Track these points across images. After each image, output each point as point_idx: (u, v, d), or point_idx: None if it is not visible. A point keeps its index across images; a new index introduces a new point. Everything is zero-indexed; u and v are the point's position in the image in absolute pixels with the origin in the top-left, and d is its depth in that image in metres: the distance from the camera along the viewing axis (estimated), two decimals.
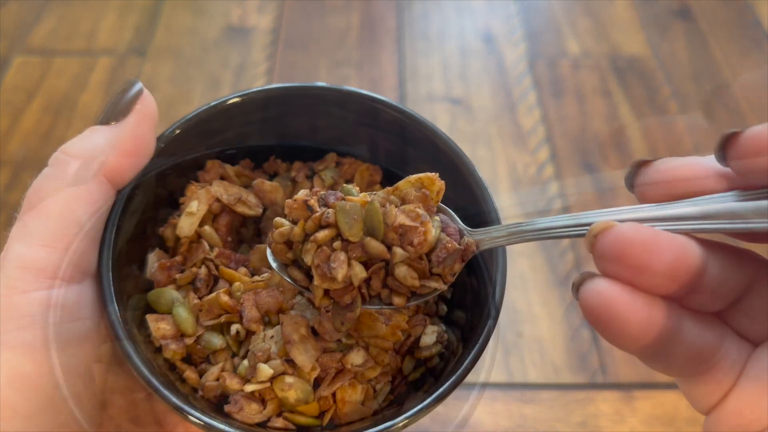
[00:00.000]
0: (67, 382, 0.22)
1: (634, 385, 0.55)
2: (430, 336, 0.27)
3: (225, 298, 0.26)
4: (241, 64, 0.81)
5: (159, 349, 0.26)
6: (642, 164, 0.20)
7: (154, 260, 0.27)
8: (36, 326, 0.22)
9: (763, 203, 0.17)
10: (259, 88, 0.29)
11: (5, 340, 0.21)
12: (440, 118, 0.76)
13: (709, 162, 0.19)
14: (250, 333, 0.26)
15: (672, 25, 0.87)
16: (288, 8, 0.89)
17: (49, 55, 0.82)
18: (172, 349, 0.26)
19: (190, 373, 0.26)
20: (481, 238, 0.25)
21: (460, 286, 0.29)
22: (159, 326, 0.26)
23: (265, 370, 0.24)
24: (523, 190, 0.69)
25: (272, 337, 0.25)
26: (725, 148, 0.18)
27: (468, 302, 0.29)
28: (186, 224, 0.27)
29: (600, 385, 0.55)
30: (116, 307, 0.23)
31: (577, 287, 0.19)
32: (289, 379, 0.24)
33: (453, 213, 0.27)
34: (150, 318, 0.26)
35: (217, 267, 0.27)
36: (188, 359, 0.27)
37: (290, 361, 0.25)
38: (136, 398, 0.26)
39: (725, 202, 0.18)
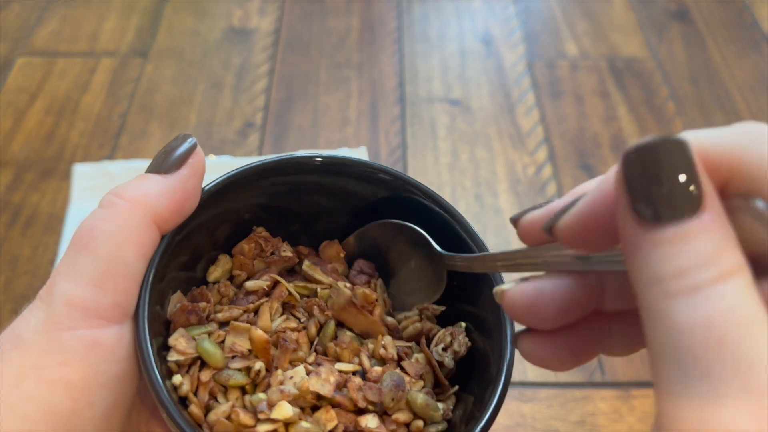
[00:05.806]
0: (100, 424, 0.22)
1: (632, 383, 0.55)
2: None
3: (259, 332, 0.26)
4: (242, 66, 0.82)
5: (169, 376, 0.26)
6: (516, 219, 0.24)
7: (175, 301, 0.27)
8: (78, 364, 0.21)
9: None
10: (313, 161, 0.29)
11: (46, 374, 0.21)
12: (439, 119, 0.76)
13: None
14: (268, 373, 0.26)
15: (670, 26, 0.87)
16: (289, 10, 0.89)
17: (52, 56, 0.82)
18: (186, 379, 0.25)
19: (194, 408, 0.25)
20: (456, 257, 0.28)
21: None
22: (179, 340, 0.26)
23: (287, 409, 0.24)
24: (522, 191, 0.69)
25: (291, 377, 0.25)
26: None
27: (474, 366, 0.29)
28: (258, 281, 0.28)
29: (598, 383, 0.55)
30: (151, 351, 0.23)
31: (514, 343, 0.25)
32: (305, 424, 0.24)
33: (427, 235, 0.29)
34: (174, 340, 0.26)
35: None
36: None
37: (311, 408, 0.25)
38: None
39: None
